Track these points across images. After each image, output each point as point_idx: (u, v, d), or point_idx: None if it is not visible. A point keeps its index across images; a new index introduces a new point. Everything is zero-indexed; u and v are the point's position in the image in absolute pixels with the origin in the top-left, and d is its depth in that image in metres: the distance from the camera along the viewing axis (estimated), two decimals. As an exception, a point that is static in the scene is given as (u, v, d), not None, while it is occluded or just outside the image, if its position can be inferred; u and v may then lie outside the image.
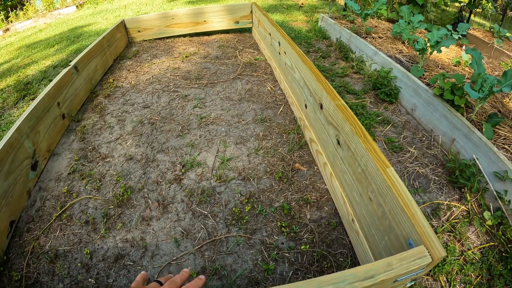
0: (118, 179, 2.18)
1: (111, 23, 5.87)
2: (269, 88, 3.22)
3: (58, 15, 7.81)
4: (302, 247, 1.71)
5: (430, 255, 1.04)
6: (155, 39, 4.65)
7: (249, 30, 4.90)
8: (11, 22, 7.67)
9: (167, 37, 4.71)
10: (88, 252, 1.74)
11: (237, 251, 1.72)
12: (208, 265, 1.65)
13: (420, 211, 1.16)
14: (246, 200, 1.99)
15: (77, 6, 8.25)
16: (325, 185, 2.09)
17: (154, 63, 3.85)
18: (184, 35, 4.73)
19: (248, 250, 1.72)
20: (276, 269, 1.63)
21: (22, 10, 8.24)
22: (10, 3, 8.70)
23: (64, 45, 4.94)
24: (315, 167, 2.23)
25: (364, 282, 0.97)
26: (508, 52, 3.71)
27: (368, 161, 1.43)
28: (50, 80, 3.58)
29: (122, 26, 4.36)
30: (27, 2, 8.54)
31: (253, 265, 1.65)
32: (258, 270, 1.62)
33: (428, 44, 2.85)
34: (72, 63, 2.96)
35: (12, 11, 8.14)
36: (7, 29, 7.07)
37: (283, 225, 1.83)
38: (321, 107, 1.96)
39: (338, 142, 1.75)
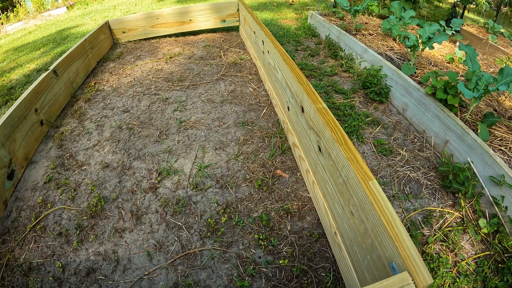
0: (93, 188, 2.09)
1: (99, 24, 5.74)
2: (252, 89, 3.11)
3: (49, 17, 7.68)
4: (280, 262, 1.60)
5: (414, 282, 0.92)
6: (140, 39, 4.53)
7: (236, 28, 4.79)
8: (2, 24, 7.53)
9: (153, 38, 4.60)
10: (61, 265, 1.68)
11: (212, 266, 1.63)
12: (181, 281, 1.57)
13: (405, 231, 1.02)
14: (223, 210, 1.88)
15: (67, 7, 8.11)
16: (308, 193, 1.97)
17: (137, 65, 3.73)
18: (170, 35, 4.62)
19: (223, 264, 1.63)
20: (252, 285, 1.53)
21: (13, 12, 8.10)
22: (1, 5, 8.56)
23: (49, 48, 4.82)
24: (298, 173, 2.11)
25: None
26: (503, 48, 3.62)
27: (349, 172, 1.29)
28: (33, 84, 3.48)
29: (107, 27, 4.24)
30: (18, 3, 8.39)
31: (228, 281, 1.55)
32: (233, 286, 1.53)
33: (420, 41, 2.73)
34: (51, 68, 2.85)
35: (3, 13, 8.00)
36: (-2, 32, 6.94)
37: (261, 237, 1.72)
38: (302, 110, 1.83)
39: (320, 149, 1.62)
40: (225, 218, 1.83)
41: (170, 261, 1.66)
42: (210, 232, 1.77)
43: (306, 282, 1.51)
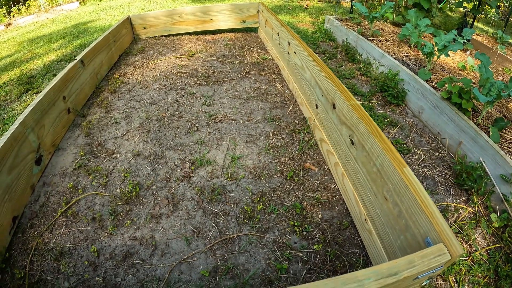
0: (125, 175, 2.17)
1: (115, 19, 5.85)
2: (277, 88, 3.23)
3: (61, 11, 7.76)
4: (315, 247, 1.72)
5: (449, 252, 1.07)
6: (160, 36, 4.65)
7: (255, 29, 4.91)
8: (13, 17, 7.61)
9: (173, 35, 4.70)
10: (95, 250, 1.71)
11: (250, 250, 1.71)
12: (220, 264, 1.64)
13: (438, 210, 1.17)
14: (258, 198, 1.99)
15: (80, 3, 8.19)
16: (336, 185, 2.10)
17: (160, 60, 3.85)
18: (190, 33, 4.73)
19: (260, 249, 1.72)
20: (290, 268, 1.63)
21: (25, 5, 8.16)
22: (12, -3, 8.64)
23: (68, 40, 4.91)
24: (326, 167, 2.24)
25: (388, 279, 0.98)
26: (511, 58, 3.74)
27: (384, 160, 1.44)
28: (54, 75, 3.57)
29: (128, 22, 4.35)
30: (30, -3, 8.46)
31: (266, 265, 1.64)
32: (271, 270, 1.62)
33: (436, 48, 2.88)
34: (78, 57, 2.94)
35: (14, 5, 8.07)
36: (9, 24, 7.01)
37: (295, 224, 1.83)
38: (334, 107, 1.98)
39: (352, 142, 1.76)
40: (260, 206, 1.93)
41: (208, 246, 1.72)
42: (246, 219, 1.87)
43: (339, 265, 1.63)
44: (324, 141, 2.23)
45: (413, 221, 1.26)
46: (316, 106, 2.34)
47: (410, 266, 1.03)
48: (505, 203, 1.88)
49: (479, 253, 1.74)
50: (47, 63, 4.01)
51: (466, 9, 4.95)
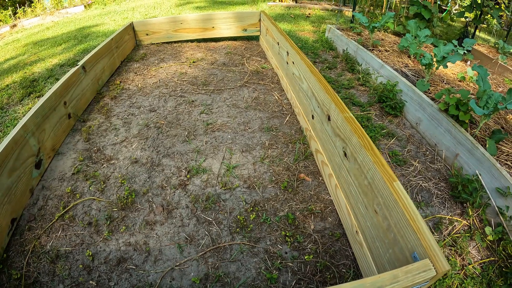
0: (122, 181, 2.19)
1: (119, 24, 5.92)
2: (275, 97, 3.25)
3: (66, 14, 7.87)
4: (305, 257, 1.72)
5: (434, 268, 1.07)
6: (162, 43, 4.70)
7: (256, 38, 4.95)
8: (19, 18, 7.72)
9: (175, 42, 4.76)
10: (90, 254, 1.74)
11: (241, 259, 1.73)
12: (211, 272, 1.66)
13: (426, 225, 1.18)
14: (251, 208, 2.01)
15: (85, 6, 8.31)
16: (330, 196, 2.11)
17: (161, 67, 3.89)
18: (192, 40, 4.78)
19: (251, 258, 1.73)
20: (279, 278, 1.64)
21: (30, 7, 8.28)
22: (18, -1, 8.78)
23: (71, 44, 4.98)
24: (320, 178, 2.25)
25: (370, 294, 0.99)
26: (512, 68, 3.73)
27: (375, 174, 1.45)
28: (57, 79, 3.62)
29: (131, 28, 4.40)
30: (36, -1, 8.58)
31: (256, 274, 1.66)
32: (261, 279, 1.63)
33: (435, 59, 2.88)
34: (80, 63, 2.98)
35: (20, 7, 8.19)
36: (14, 25, 7.12)
37: (287, 234, 1.84)
38: (329, 119, 1.99)
39: (345, 154, 1.77)
40: (253, 216, 1.95)
41: (200, 254, 1.74)
42: (239, 228, 1.88)
43: (329, 277, 1.64)
44: (319, 152, 2.24)
45: (401, 235, 1.26)
46: (312, 117, 2.36)
47: (394, 281, 1.03)
48: (500, 217, 1.87)
49: (472, 267, 1.74)
50: (50, 67, 4.07)
51: (468, 19, 4.96)
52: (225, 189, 2.15)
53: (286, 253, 1.76)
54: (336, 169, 1.94)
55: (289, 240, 1.81)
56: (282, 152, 2.48)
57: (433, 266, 1.07)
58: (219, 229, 1.88)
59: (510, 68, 3.74)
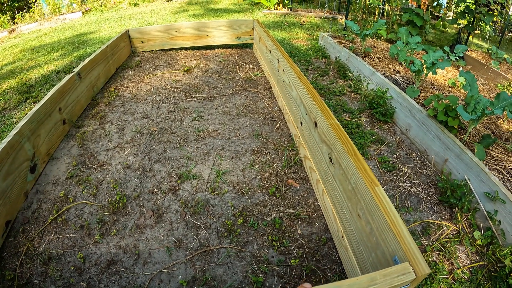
0: (114, 186, 2.22)
1: (116, 31, 5.96)
2: (266, 105, 3.27)
3: (64, 20, 7.89)
4: (291, 261, 1.74)
5: (414, 271, 1.08)
6: (157, 50, 4.74)
7: (250, 45, 4.99)
8: (17, 23, 7.76)
9: (170, 49, 4.80)
10: (82, 256, 1.76)
11: (228, 263, 1.74)
12: (199, 275, 1.68)
13: (406, 229, 1.19)
14: (239, 213, 2.02)
15: (82, 13, 8.34)
16: (317, 201, 2.12)
17: (155, 74, 3.92)
18: (186, 48, 4.82)
19: (238, 262, 1.75)
20: (265, 281, 1.65)
21: (29, 12, 8.33)
22: (17, 4, 8.83)
23: (68, 51, 5.01)
24: (308, 184, 2.27)
25: (347, 297, 1.00)
26: (504, 74, 3.77)
27: (358, 179, 1.47)
28: (53, 85, 3.64)
29: (126, 35, 4.44)
30: (34, 5, 8.63)
31: (243, 277, 1.67)
32: (248, 282, 1.65)
33: (424, 66, 2.92)
34: (75, 70, 3.02)
35: (18, 12, 8.24)
36: (12, 30, 7.15)
37: (274, 239, 1.85)
38: (316, 125, 2.01)
39: (331, 160, 1.79)
40: (241, 220, 1.96)
41: (188, 257, 1.76)
42: (227, 232, 1.90)
43: (315, 280, 1.65)
44: (307, 158, 2.26)
45: (382, 239, 1.28)
46: (301, 123, 2.38)
47: (371, 283, 1.04)
48: (489, 221, 1.89)
49: (461, 271, 1.74)
50: (46, 73, 4.09)
51: (460, 26, 5.01)
52: (214, 195, 2.16)
53: (272, 257, 1.77)
54: (323, 174, 1.96)
55: (275, 244, 1.82)
56: (271, 158, 2.50)
57: (412, 269, 1.08)
58: (207, 233, 1.90)
59: (502, 73, 3.78)
